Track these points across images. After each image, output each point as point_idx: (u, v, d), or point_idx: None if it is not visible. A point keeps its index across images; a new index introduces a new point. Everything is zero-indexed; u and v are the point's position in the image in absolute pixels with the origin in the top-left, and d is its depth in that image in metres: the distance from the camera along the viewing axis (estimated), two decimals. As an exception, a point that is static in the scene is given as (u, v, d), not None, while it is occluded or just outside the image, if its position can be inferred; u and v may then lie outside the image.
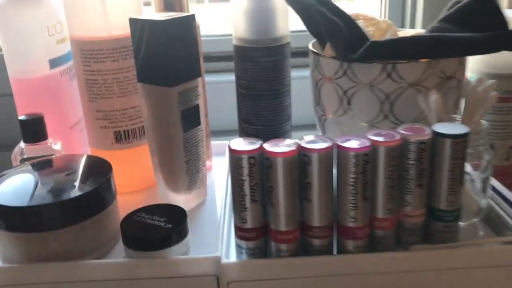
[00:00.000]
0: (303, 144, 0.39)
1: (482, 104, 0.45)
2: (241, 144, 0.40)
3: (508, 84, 0.58)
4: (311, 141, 0.40)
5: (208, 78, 0.63)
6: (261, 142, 0.40)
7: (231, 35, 0.58)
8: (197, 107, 0.50)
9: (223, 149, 0.63)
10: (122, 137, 0.55)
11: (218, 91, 0.80)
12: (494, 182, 0.51)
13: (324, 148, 0.39)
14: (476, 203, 0.46)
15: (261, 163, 0.40)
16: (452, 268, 0.42)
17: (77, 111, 0.58)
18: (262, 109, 0.57)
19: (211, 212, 0.53)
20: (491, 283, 0.42)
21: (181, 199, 0.52)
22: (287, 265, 0.42)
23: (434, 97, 0.43)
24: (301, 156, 0.39)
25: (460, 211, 0.42)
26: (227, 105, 0.74)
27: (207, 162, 0.61)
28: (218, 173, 0.62)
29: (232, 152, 0.40)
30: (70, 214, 0.43)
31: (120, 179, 0.52)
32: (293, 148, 0.39)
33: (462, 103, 0.48)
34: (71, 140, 0.58)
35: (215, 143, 0.65)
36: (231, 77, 0.60)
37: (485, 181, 0.46)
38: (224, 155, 0.63)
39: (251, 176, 0.40)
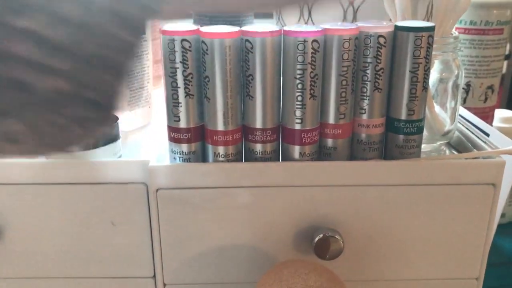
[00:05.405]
0: (246, 28, 0.35)
1: (454, 9, 0.40)
2: (177, 26, 0.35)
3: (499, 14, 0.53)
4: (258, 27, 0.35)
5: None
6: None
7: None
8: (141, 10, 0.45)
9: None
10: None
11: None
12: (462, 110, 0.47)
13: (269, 32, 0.34)
14: (443, 123, 0.41)
15: (198, 49, 0.35)
16: (411, 184, 0.37)
17: None
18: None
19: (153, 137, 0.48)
20: (452, 201, 0.38)
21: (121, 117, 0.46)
22: (223, 171, 0.36)
23: (400, -5, 0.39)
24: (243, 42, 0.35)
25: (423, 123, 0.38)
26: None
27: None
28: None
29: (163, 33, 0.34)
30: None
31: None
32: (233, 30, 0.34)
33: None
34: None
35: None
36: None
37: (453, 98, 0.41)
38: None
39: (185, 64, 0.35)
